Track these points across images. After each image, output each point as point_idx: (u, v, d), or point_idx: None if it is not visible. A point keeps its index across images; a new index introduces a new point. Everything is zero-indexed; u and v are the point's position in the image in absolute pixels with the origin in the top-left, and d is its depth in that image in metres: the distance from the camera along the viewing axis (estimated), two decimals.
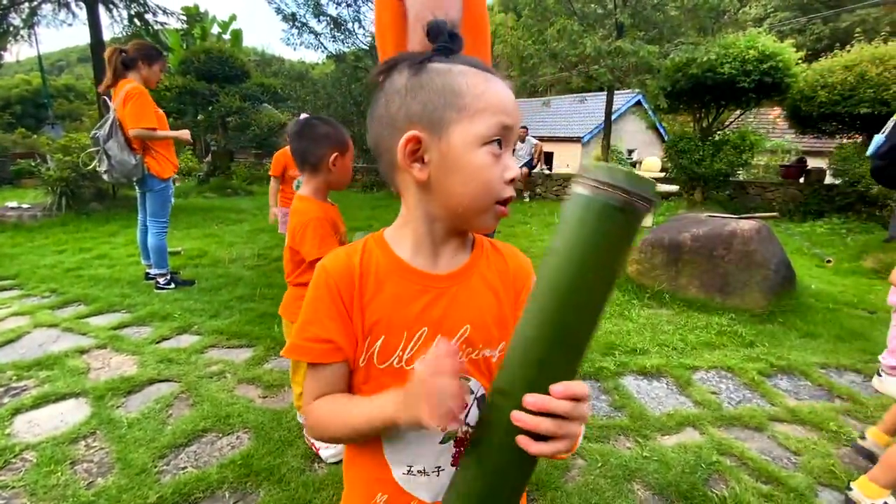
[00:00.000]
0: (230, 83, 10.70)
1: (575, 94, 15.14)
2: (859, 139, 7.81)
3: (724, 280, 3.28)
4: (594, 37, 7.39)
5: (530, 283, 0.70)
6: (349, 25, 13.16)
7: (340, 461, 1.69)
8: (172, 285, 3.45)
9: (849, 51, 7.51)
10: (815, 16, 20.23)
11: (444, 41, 0.59)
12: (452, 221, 0.61)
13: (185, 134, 3.42)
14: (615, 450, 1.79)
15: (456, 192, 0.57)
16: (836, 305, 3.44)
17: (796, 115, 8.02)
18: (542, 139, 11.59)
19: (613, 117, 9.97)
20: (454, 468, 0.63)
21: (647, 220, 6.78)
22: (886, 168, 2.04)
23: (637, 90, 9.78)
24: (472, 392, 0.64)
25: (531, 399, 0.45)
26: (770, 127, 13.51)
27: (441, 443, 0.62)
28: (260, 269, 4.04)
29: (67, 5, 9.86)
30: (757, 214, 3.97)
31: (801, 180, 8.77)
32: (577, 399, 0.46)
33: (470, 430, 0.63)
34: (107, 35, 9.64)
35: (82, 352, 2.46)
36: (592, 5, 8.22)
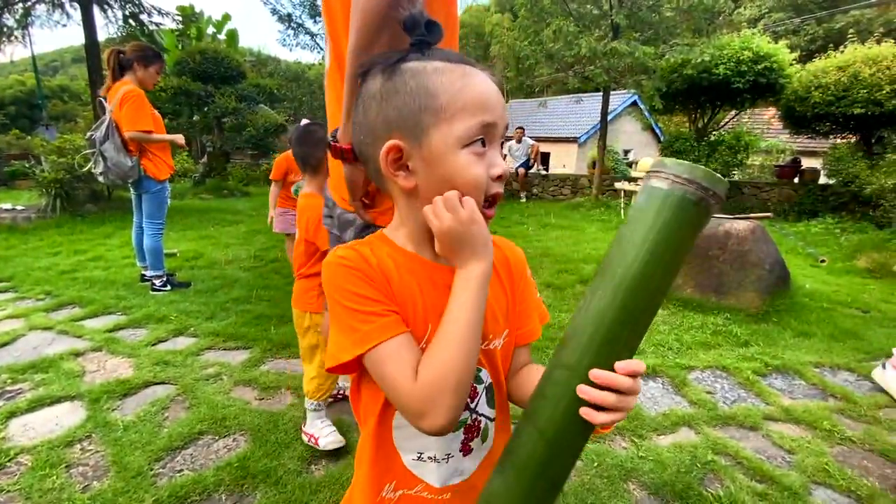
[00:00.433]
0: (226, 84, 10.67)
1: (571, 95, 15.18)
2: (853, 139, 7.87)
3: (719, 280, 3.30)
4: (590, 38, 7.41)
5: (527, 273, 0.71)
6: None
7: (340, 448, 1.71)
8: (168, 287, 3.44)
9: (842, 52, 7.57)
10: (809, 17, 20.36)
11: (421, 34, 0.56)
12: None
13: (179, 139, 3.42)
14: (611, 450, 1.80)
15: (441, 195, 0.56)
16: (830, 305, 3.47)
17: (791, 115, 8.08)
18: (538, 140, 11.61)
19: (609, 118, 10.00)
20: (464, 456, 0.63)
21: None
22: None
23: (633, 91, 9.82)
24: (482, 382, 0.64)
25: (599, 374, 0.47)
26: (765, 127, 13.60)
27: (453, 430, 0.61)
28: (256, 271, 4.04)
29: (62, 6, 9.81)
30: (751, 215, 3.99)
31: (796, 180, 8.83)
32: (636, 375, 0.48)
33: (479, 418, 0.64)
34: (101, 36, 9.60)
35: (77, 354, 2.45)
36: (588, 6, 8.24)
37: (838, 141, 8.18)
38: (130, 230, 3.66)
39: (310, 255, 1.70)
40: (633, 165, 8.69)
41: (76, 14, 9.51)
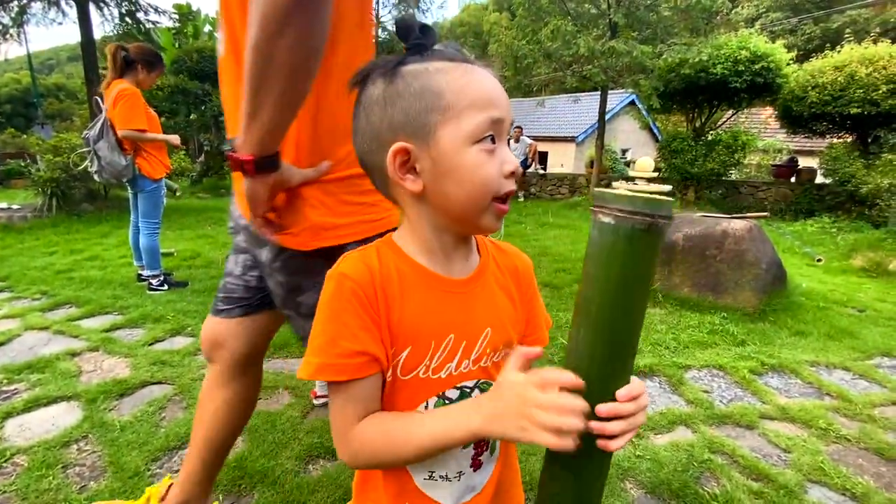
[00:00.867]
0: None
1: (569, 94, 15.20)
2: (849, 139, 7.91)
3: (716, 279, 3.31)
4: (588, 37, 7.42)
5: (534, 281, 0.71)
6: None
7: None
8: (165, 287, 3.43)
9: (839, 51, 7.60)
10: (806, 16, 20.41)
11: (416, 38, 0.55)
12: (456, 227, 0.59)
13: (174, 139, 3.40)
14: None
15: (453, 195, 0.55)
16: (827, 304, 3.49)
17: (787, 114, 8.11)
18: (536, 139, 11.62)
19: (607, 117, 10.01)
20: (474, 472, 0.63)
21: None
22: None
23: (631, 90, 9.83)
24: None
25: (603, 409, 0.49)
26: (762, 127, 13.64)
27: (463, 448, 0.61)
28: None
29: (57, 3, 9.77)
30: (748, 214, 4.01)
31: (793, 180, 8.87)
32: (638, 397, 0.50)
33: None
34: (97, 34, 9.57)
35: (74, 354, 2.44)
36: (586, 5, 8.25)
37: (835, 140, 8.22)
38: (127, 229, 3.65)
39: None
40: (631, 165, 8.71)
41: (72, 12, 9.48)
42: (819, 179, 8.41)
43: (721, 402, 2.18)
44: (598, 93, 9.08)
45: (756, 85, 7.62)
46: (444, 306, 0.59)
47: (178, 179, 9.81)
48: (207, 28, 12.88)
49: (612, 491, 1.58)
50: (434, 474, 0.61)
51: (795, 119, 8.09)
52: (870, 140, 7.58)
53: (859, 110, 6.92)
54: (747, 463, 1.73)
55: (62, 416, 1.92)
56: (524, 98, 17.67)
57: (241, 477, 1.57)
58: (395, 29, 0.57)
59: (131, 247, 3.61)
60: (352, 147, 0.61)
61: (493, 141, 0.54)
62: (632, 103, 15.83)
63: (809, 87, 7.47)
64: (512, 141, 9.60)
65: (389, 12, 13.15)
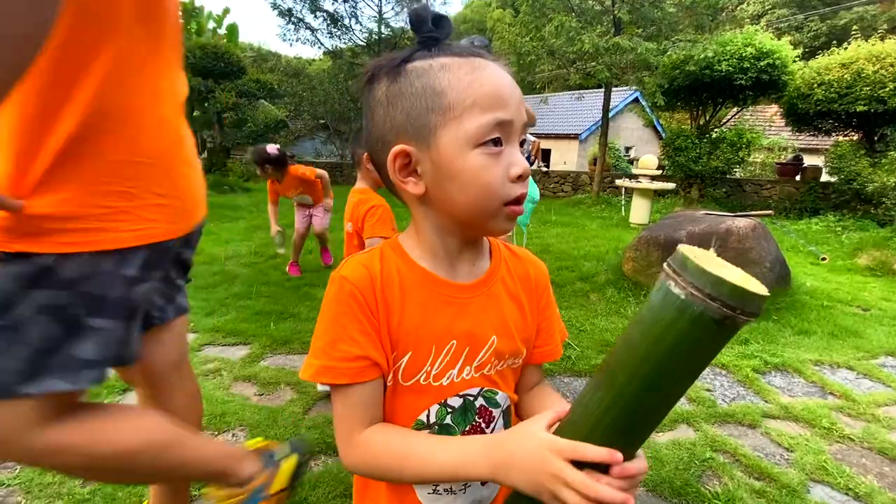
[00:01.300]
0: (226, 79, 10.66)
1: (572, 92, 15.14)
2: (855, 137, 7.85)
3: None
4: (592, 33, 7.39)
5: (549, 290, 0.68)
6: (346, 21, 13.14)
7: None
8: None
9: (846, 48, 7.53)
10: (812, 13, 20.26)
11: (428, 30, 0.52)
12: (462, 230, 0.57)
13: None
14: None
15: (457, 200, 0.52)
16: (831, 303, 3.47)
17: (793, 112, 8.05)
18: (539, 136, 11.59)
19: (611, 114, 9.98)
20: (482, 485, 0.61)
21: (643, 215, 6.80)
22: None
23: (635, 87, 9.79)
24: (499, 406, 0.62)
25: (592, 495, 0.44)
26: (767, 124, 13.56)
27: None
28: (256, 267, 4.04)
29: None
30: (752, 212, 3.98)
31: (798, 178, 8.81)
32: (633, 476, 0.45)
33: None
34: None
35: None
36: (590, 2, 8.22)
37: (840, 138, 8.16)
38: None
39: (358, 246, 1.80)
40: (635, 162, 8.68)
41: None
42: (824, 178, 8.35)
43: (723, 400, 2.17)
44: (602, 90, 9.05)
45: (761, 82, 7.56)
46: (446, 311, 0.57)
47: None
48: (212, 24, 12.89)
49: None
50: (439, 487, 0.59)
51: (801, 117, 8.03)
52: (876, 138, 7.52)
53: (866, 108, 6.86)
54: (749, 462, 1.73)
55: None
56: (527, 95, 17.62)
57: None
58: (408, 21, 0.54)
59: None
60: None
61: (500, 143, 0.51)
62: (636, 101, 15.76)
63: (815, 85, 7.41)
64: None
65: (392, 8, 13.10)
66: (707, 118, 8.73)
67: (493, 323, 0.59)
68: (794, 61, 7.74)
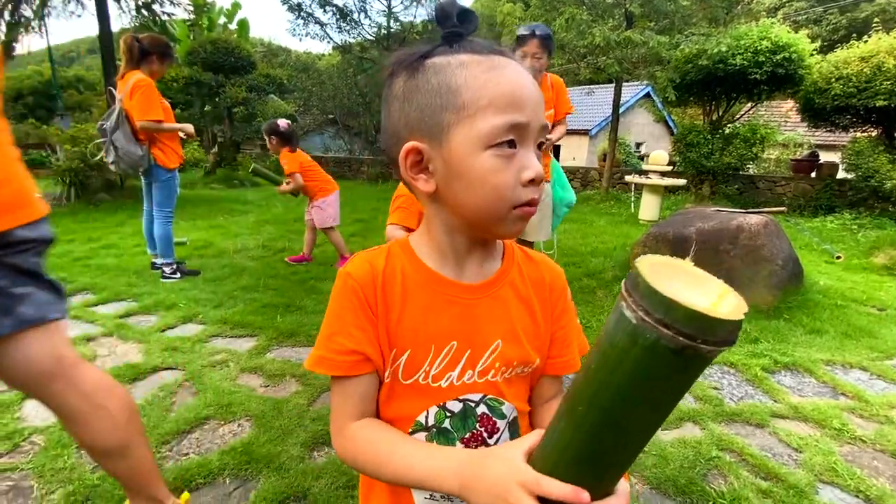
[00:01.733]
0: (236, 74, 10.71)
1: (583, 87, 14.98)
2: (874, 133, 7.66)
3: (729, 275, 3.24)
4: (603, 27, 7.28)
5: (566, 297, 0.65)
6: (355, 16, 13.11)
7: None
8: (178, 275, 3.48)
9: (866, 41, 7.33)
10: (831, 5, 19.78)
11: (452, 25, 0.51)
12: (471, 230, 0.56)
13: (188, 128, 3.46)
14: None
15: (466, 201, 0.52)
16: (845, 302, 3.40)
17: (809, 107, 7.88)
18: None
19: (622, 110, 9.86)
20: None
21: (652, 211, 6.72)
22: None
23: (646, 82, 9.66)
24: (504, 417, 0.60)
25: None
26: (782, 120, 13.30)
27: None
28: (264, 261, 4.07)
29: None
30: (764, 209, 3.92)
31: (813, 175, 8.64)
32: None
33: None
34: (115, 26, 9.67)
35: (90, 339, 2.50)
36: None
37: (859, 134, 7.97)
38: (142, 218, 3.71)
39: None
40: (645, 158, 8.57)
41: (90, 4, 9.57)
42: (841, 174, 8.18)
43: (731, 399, 2.14)
44: (613, 85, 8.94)
45: (777, 76, 7.40)
46: (448, 312, 0.57)
47: (192, 170, 9.93)
48: (222, 20, 12.96)
49: None
50: (435, 493, 0.58)
51: (818, 112, 7.86)
52: None
53: (886, 102, 6.68)
54: (756, 462, 1.70)
55: None
56: None
57: (248, 462, 1.60)
58: (434, 14, 0.53)
59: (145, 235, 3.67)
60: None
61: (514, 146, 0.49)
62: (647, 96, 15.55)
63: (833, 79, 7.24)
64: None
65: (402, 2, 13.02)
66: (720, 113, 8.58)
67: (499, 327, 0.58)
68: (812, 55, 7.56)
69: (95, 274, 3.56)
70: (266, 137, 3.73)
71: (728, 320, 0.30)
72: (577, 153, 15.86)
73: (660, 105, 15.01)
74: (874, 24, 8.39)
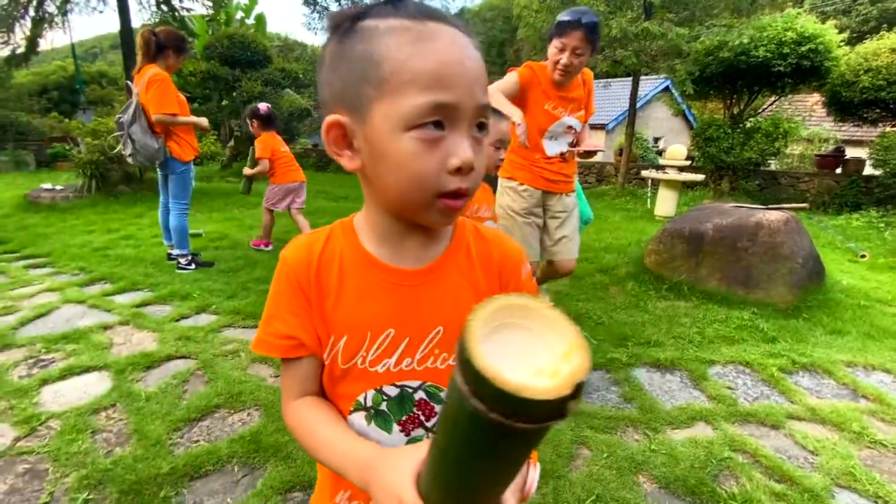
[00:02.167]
0: (252, 68, 10.79)
1: (600, 80, 14.72)
2: None
3: (748, 273, 3.17)
4: (621, 18, 7.13)
5: (521, 273, 0.62)
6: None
7: None
8: (193, 266, 3.54)
9: None
10: None
11: None
12: (400, 215, 0.52)
13: (203, 122, 3.50)
14: (622, 441, 1.76)
15: (388, 184, 0.48)
16: (868, 302, 3.29)
17: (836, 101, 7.64)
18: None
19: (640, 104, 9.69)
20: None
21: (669, 207, 6.59)
22: None
23: (665, 75, 9.45)
24: (441, 402, 0.58)
25: None
26: (807, 114, 12.91)
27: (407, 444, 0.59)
28: (277, 253, 4.10)
29: None
30: (785, 205, 3.81)
31: (838, 171, 8.38)
32: None
33: None
34: (135, 22, 9.84)
35: (106, 327, 2.56)
36: None
37: (888, 129, 7.69)
38: (158, 210, 3.78)
39: None
40: (662, 154, 8.41)
41: (112, 0, 9.76)
42: (867, 171, 7.91)
43: (745, 399, 2.09)
44: (630, 78, 8.77)
45: (802, 69, 7.16)
46: (384, 298, 0.54)
47: (209, 163, 10.06)
48: (240, 15, 13.06)
49: (625, 484, 1.54)
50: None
51: (844, 106, 7.60)
52: None
53: None
54: (770, 463, 1.66)
55: (93, 385, 2.02)
56: None
57: (256, 450, 1.62)
58: None
59: (161, 227, 3.74)
60: None
61: (441, 127, 0.45)
62: (666, 89, 15.23)
63: (862, 71, 6.99)
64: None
65: None
66: (741, 107, 8.36)
67: (441, 313, 0.55)
68: (839, 46, 7.30)
69: (114, 264, 3.64)
70: (248, 122, 3.94)
71: (543, 401, 0.26)
72: None
73: (679, 99, 14.66)
74: None
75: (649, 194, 7.74)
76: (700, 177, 7.24)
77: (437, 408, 0.58)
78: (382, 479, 0.44)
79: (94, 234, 4.60)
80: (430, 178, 0.46)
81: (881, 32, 7.32)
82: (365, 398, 0.57)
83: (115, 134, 3.41)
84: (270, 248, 4.22)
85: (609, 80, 12.48)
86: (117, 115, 3.36)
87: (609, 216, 6.55)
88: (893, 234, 5.76)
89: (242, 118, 11.67)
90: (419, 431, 0.58)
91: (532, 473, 0.52)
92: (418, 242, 0.56)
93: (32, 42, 10.44)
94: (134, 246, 4.20)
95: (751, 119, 8.31)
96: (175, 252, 3.56)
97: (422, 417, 0.58)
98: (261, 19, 13.23)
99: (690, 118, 15.69)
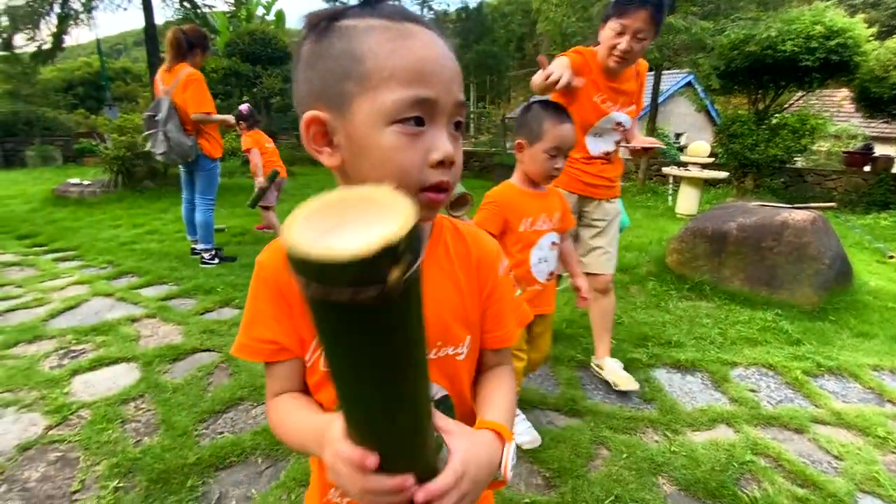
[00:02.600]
0: (273, 65, 10.90)
1: None
2: None
3: (772, 273, 3.10)
4: None
5: (498, 270, 0.63)
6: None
7: (537, 447, 1.68)
8: (216, 261, 3.61)
9: None
10: None
11: None
12: None
13: (230, 119, 3.58)
14: (642, 442, 1.75)
15: (370, 178, 0.48)
16: None
17: (865, 97, 7.40)
18: None
19: (662, 99, 9.51)
20: None
21: (691, 205, 6.47)
22: None
23: (688, 70, 9.26)
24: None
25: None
26: (835, 110, 12.52)
27: None
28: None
29: None
30: (812, 205, 3.71)
31: (867, 168, 8.12)
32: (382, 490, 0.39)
33: None
34: (159, 18, 10.02)
35: (134, 320, 2.64)
36: None
37: None
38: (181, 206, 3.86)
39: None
40: (684, 150, 8.25)
41: None
42: None
43: (768, 402, 2.06)
44: (652, 73, 8.62)
45: (830, 63, 6.94)
46: None
47: (231, 159, 10.21)
48: (260, 11, 13.20)
49: (644, 485, 1.54)
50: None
51: (874, 102, 7.35)
52: None
53: None
54: (793, 468, 1.64)
55: (122, 376, 2.09)
56: None
57: (278, 443, 1.65)
58: None
59: (184, 222, 3.82)
60: None
61: (421, 123, 0.46)
62: (689, 84, 14.91)
63: (892, 67, 6.75)
64: None
65: None
66: (767, 103, 8.14)
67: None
68: (869, 41, 7.06)
69: (140, 258, 3.74)
70: (237, 125, 4.05)
71: (349, 262, 0.24)
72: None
73: (702, 94, 14.36)
74: None
75: (671, 192, 7.61)
76: (723, 174, 7.08)
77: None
78: (327, 440, 0.42)
79: (121, 229, 4.73)
80: (413, 172, 0.47)
81: None
82: None
83: (147, 132, 3.47)
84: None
85: None
86: (146, 113, 3.43)
87: (629, 214, 6.44)
88: None
89: (263, 115, 11.80)
90: None
91: (507, 449, 0.51)
92: None
93: (58, 38, 10.72)
94: (159, 240, 4.31)
95: (776, 115, 8.09)
96: (200, 247, 3.65)
97: None
98: (280, 15, 13.34)
99: (713, 114, 15.35)
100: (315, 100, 0.49)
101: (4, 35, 10.02)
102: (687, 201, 6.62)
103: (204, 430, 1.75)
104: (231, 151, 9.71)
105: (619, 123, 1.96)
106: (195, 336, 2.45)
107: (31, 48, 10.61)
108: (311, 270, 0.26)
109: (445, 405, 0.61)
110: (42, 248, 4.09)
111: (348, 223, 0.27)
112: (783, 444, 1.78)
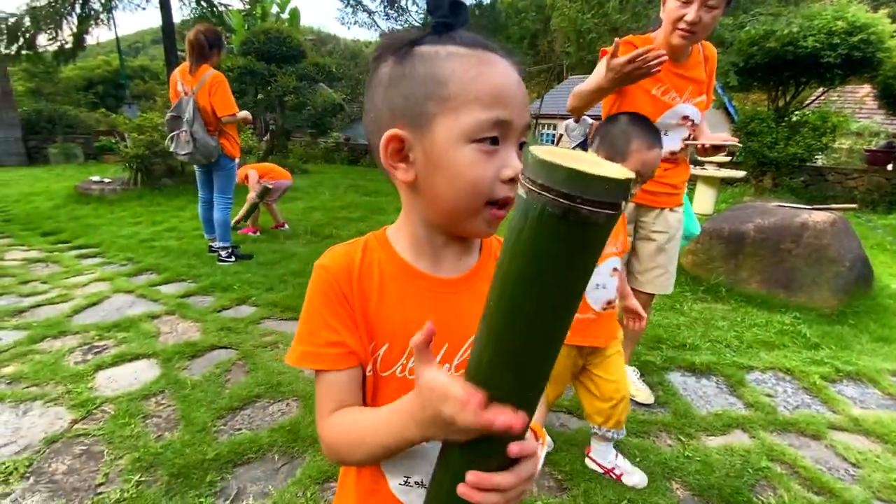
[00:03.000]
0: (287, 63, 10.99)
1: None
2: None
3: (791, 276, 3.05)
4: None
5: None
6: (403, 3, 13.11)
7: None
8: (233, 259, 3.67)
9: None
10: None
11: (443, 15, 0.51)
12: (446, 225, 0.56)
13: (248, 115, 3.63)
14: (655, 446, 1.75)
15: (442, 192, 0.52)
16: None
17: (888, 93, 7.21)
18: (597, 118, 11.11)
19: None
20: None
21: (707, 205, 6.38)
22: None
23: None
24: None
25: (472, 479, 0.41)
26: (857, 106, 12.20)
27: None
28: (312, 246, 4.22)
29: None
30: (833, 206, 3.64)
31: (890, 167, 7.91)
32: (528, 456, 0.42)
33: None
34: (176, 17, 10.17)
35: (154, 317, 2.70)
36: None
37: None
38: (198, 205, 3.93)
39: None
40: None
41: None
42: None
43: (785, 407, 2.04)
44: None
45: (852, 60, 6.77)
46: (424, 305, 0.56)
47: (245, 157, 10.34)
48: (275, 9, 13.32)
49: (657, 489, 1.54)
50: (409, 480, 0.58)
51: None
52: None
53: None
54: (809, 475, 1.62)
55: (143, 372, 2.14)
56: (586, 75, 16.86)
57: (295, 440, 1.69)
58: (426, 2, 0.52)
59: (201, 221, 3.89)
60: None
61: (496, 143, 0.50)
62: None
63: None
64: (572, 121, 9.25)
65: None
66: (787, 99, 7.98)
67: (477, 320, 0.55)
68: (893, 36, 6.86)
69: (159, 255, 3.82)
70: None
71: (605, 177, 0.30)
72: None
73: (720, 90, 14.08)
74: None
75: (686, 191, 7.51)
76: (741, 173, 6.96)
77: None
78: (437, 392, 0.41)
79: (141, 226, 4.82)
80: (485, 186, 0.50)
81: None
82: None
83: (172, 134, 3.51)
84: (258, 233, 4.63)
85: None
86: (170, 113, 3.47)
87: None
88: None
89: (278, 113, 11.93)
90: None
91: (539, 449, 0.51)
92: (455, 253, 0.59)
93: (79, 38, 10.95)
94: (177, 238, 4.39)
95: (797, 112, 7.92)
96: (217, 244, 3.71)
97: None
98: (295, 14, 13.44)
99: (731, 111, 15.07)
100: (394, 119, 0.52)
101: (27, 35, 10.27)
102: (703, 201, 6.52)
103: (222, 427, 1.79)
104: (246, 150, 9.83)
105: (685, 118, 1.70)
106: (213, 333, 2.50)
107: (54, 48, 10.86)
108: (568, 183, 0.31)
109: None
110: (66, 244, 4.20)
111: (586, 165, 0.31)
112: (799, 450, 1.77)
